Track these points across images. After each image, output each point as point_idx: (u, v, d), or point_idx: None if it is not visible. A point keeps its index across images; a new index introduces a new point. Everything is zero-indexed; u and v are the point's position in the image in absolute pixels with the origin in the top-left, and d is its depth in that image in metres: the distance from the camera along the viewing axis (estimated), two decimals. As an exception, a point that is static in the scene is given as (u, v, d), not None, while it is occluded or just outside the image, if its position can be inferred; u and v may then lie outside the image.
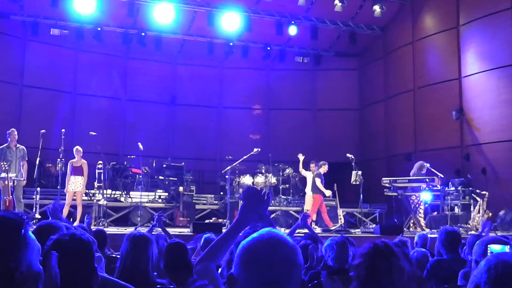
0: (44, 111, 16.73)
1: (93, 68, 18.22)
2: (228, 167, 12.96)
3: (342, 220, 13.86)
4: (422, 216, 12.92)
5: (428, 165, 13.49)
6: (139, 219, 12.51)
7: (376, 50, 19.82)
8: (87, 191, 12.93)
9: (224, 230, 9.95)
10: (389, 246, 2.82)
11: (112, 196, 14.38)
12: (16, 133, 11.13)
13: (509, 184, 14.06)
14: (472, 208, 13.42)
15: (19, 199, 10.88)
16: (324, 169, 13.43)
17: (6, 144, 11.02)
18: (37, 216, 10.94)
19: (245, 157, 12.85)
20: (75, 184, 11.85)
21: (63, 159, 11.85)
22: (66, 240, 2.44)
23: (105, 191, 12.56)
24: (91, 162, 13.33)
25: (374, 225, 13.66)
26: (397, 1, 17.96)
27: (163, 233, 7.50)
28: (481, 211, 13.25)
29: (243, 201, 2.55)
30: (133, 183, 14.97)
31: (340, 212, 14.04)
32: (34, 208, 11.50)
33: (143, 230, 11.04)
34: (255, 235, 1.78)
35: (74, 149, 12.16)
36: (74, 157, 12.08)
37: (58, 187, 11.95)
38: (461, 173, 15.03)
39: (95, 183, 13.24)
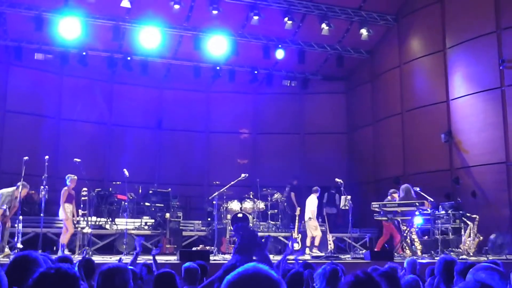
0: (27, 137, 16.45)
1: (78, 93, 18.01)
2: (216, 193, 12.77)
3: (332, 245, 13.66)
4: (416, 240, 12.78)
5: (418, 188, 13.39)
6: (124, 246, 12.20)
7: (364, 73, 19.83)
8: (73, 218, 12.61)
9: (211, 258, 9.70)
10: (370, 276, 2.72)
11: (97, 223, 14.06)
12: None
13: (498, 207, 13.96)
14: (462, 232, 13.27)
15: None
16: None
17: None
18: (19, 245, 10.60)
19: (232, 182, 12.69)
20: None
21: (46, 186, 11.54)
22: (51, 274, 2.49)
23: (89, 219, 12.25)
24: (75, 189, 13.04)
25: (364, 250, 13.46)
26: (384, 25, 18.02)
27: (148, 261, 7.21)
28: (471, 235, 13.12)
29: (238, 241, 2.43)
30: (118, 210, 14.68)
31: (330, 237, 13.84)
32: (16, 237, 11.14)
33: (128, 258, 10.77)
34: (240, 269, 1.81)
35: (73, 177, 12.18)
36: (67, 185, 12.09)
37: (42, 214, 11.61)
38: (451, 196, 14.90)
39: (80, 210, 12.91)
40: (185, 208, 16.47)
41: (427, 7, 16.75)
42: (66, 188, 12.17)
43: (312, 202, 13.90)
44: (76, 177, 12.28)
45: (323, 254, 12.96)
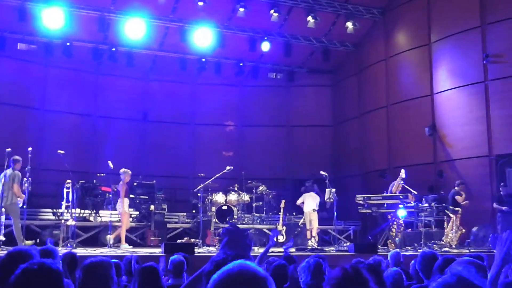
0: (10, 128, 16.27)
1: (62, 84, 17.84)
2: (201, 185, 12.76)
3: (317, 238, 13.73)
4: (396, 232, 12.92)
5: (402, 182, 13.49)
6: (108, 238, 12.13)
7: (350, 66, 19.88)
8: (54, 210, 12.55)
9: (196, 250, 9.70)
10: (359, 271, 2.71)
11: (81, 215, 13.98)
12: None
13: (481, 200, 14.10)
14: (445, 225, 13.40)
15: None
16: None
17: None
18: (1, 238, 10.51)
19: (217, 175, 12.68)
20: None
21: (29, 178, 11.39)
22: (34, 270, 2.46)
23: (73, 211, 12.17)
24: (59, 181, 12.97)
25: (348, 243, 13.55)
26: (370, 18, 18.06)
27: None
28: (454, 228, 13.25)
29: (224, 240, 2.44)
30: (102, 202, 14.58)
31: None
32: (-1, 230, 11.04)
33: (113, 250, 10.74)
34: (226, 267, 1.80)
35: (127, 171, 12.51)
36: (123, 179, 12.41)
37: (24, 206, 11.48)
38: (435, 190, 15.03)
39: (63, 202, 12.84)
40: (170, 200, 16.43)
41: (413, 1, 16.82)
42: (122, 182, 12.42)
43: (316, 196, 14.12)
44: (130, 172, 12.53)
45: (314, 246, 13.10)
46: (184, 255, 6.25)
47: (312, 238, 13.58)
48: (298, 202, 14.26)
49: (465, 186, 13.93)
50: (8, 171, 11.01)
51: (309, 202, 14.00)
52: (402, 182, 13.51)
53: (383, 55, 17.98)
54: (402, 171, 13.55)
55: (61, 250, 8.25)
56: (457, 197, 13.43)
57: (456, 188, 13.66)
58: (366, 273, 2.68)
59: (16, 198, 10.96)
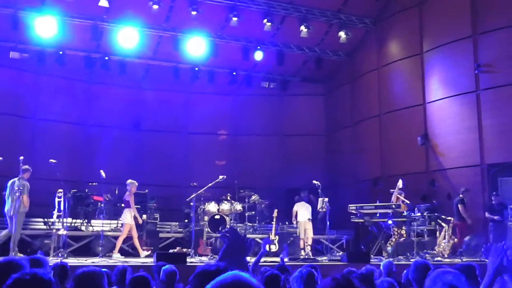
0: (2, 137, 16.17)
1: (54, 93, 17.78)
2: (193, 195, 12.71)
3: (309, 248, 13.70)
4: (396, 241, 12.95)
5: (401, 192, 13.53)
6: (100, 248, 12.06)
7: (342, 75, 19.95)
8: (45, 220, 12.47)
9: (188, 260, 9.64)
10: (350, 281, 2.71)
11: (73, 225, 13.90)
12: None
13: (473, 210, 14.12)
14: (438, 234, 13.41)
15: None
16: None
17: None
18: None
19: (210, 184, 12.64)
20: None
21: (21, 188, 11.37)
22: (26, 280, 2.44)
23: (65, 220, 12.09)
24: (50, 190, 12.88)
25: (341, 252, 13.53)
26: (363, 28, 18.15)
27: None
28: (446, 237, 13.25)
29: (226, 244, 2.43)
30: (94, 211, 14.51)
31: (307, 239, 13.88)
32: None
33: (104, 260, 10.68)
34: (219, 278, 1.81)
35: (134, 182, 12.65)
36: (129, 190, 12.51)
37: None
38: (427, 199, 15.05)
39: (55, 212, 12.76)
40: (162, 210, 16.34)
41: (405, 11, 16.92)
42: (128, 193, 12.51)
43: (309, 206, 14.17)
44: (137, 183, 12.68)
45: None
46: (162, 264, 6.23)
47: (308, 247, 13.57)
48: (293, 211, 14.30)
49: (454, 195, 13.94)
50: (16, 180, 11.15)
51: (303, 211, 14.01)
52: (401, 192, 13.49)
53: (375, 64, 18.06)
54: (400, 181, 13.53)
55: (52, 260, 8.18)
56: (460, 206, 13.32)
57: (460, 195, 13.57)
58: (357, 283, 2.68)
59: (23, 207, 11.09)
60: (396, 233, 13.04)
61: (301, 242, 13.83)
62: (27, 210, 11.21)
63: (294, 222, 14.35)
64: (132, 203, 12.43)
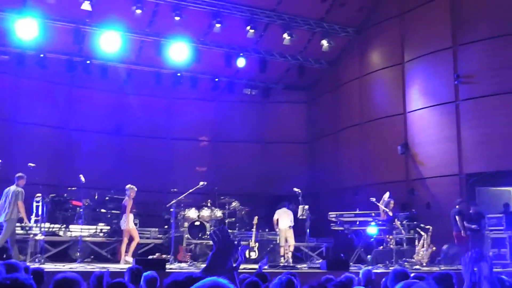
0: (-20, 140, 15.97)
1: (35, 96, 17.60)
2: (174, 201, 12.67)
3: (289, 255, 13.69)
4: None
5: (374, 199, 13.59)
6: (78, 254, 11.94)
7: (324, 84, 20.07)
8: (22, 225, 12.32)
9: (168, 266, 9.57)
10: None
11: (51, 230, 13.73)
12: None
13: (451, 219, 14.23)
14: (417, 242, 13.51)
15: None
16: None
17: None
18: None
19: (190, 190, 12.60)
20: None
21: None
22: (7, 285, 2.42)
23: (42, 225, 11.95)
24: (28, 194, 12.72)
25: (320, 260, 13.55)
26: (345, 37, 18.29)
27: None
28: (425, 245, 13.36)
29: (215, 245, 2.44)
30: (73, 216, 14.37)
31: (287, 246, 13.87)
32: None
33: (82, 266, 10.57)
34: (198, 284, 1.84)
35: (133, 188, 12.62)
36: (128, 195, 12.50)
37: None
38: (406, 207, 15.16)
39: (32, 216, 12.61)
40: (142, 215, 16.22)
41: (387, 21, 17.09)
42: (127, 198, 12.48)
43: (291, 213, 13.98)
44: (135, 188, 12.62)
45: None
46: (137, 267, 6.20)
47: (290, 253, 13.47)
48: (274, 219, 14.18)
49: (432, 204, 14.04)
50: (12, 188, 11.18)
51: (284, 218, 13.90)
52: (390, 200, 13.47)
53: (357, 73, 18.21)
54: (387, 193, 13.56)
55: (31, 266, 8.06)
56: (458, 217, 13.33)
57: (457, 207, 13.43)
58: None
59: (16, 214, 11.04)
60: (390, 240, 13.08)
61: (281, 250, 13.79)
62: (20, 216, 11.13)
63: (277, 230, 14.27)
64: (128, 208, 12.36)
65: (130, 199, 12.50)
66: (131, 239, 12.43)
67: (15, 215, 11.04)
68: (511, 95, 14.00)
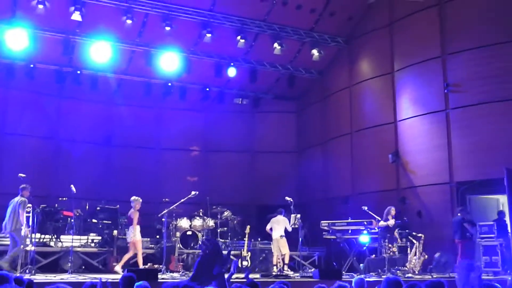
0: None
1: (24, 106, 17.49)
2: (165, 210, 12.61)
3: (281, 264, 13.63)
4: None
5: (366, 208, 13.62)
6: (69, 265, 11.83)
7: (314, 93, 20.15)
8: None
9: (160, 276, 9.53)
10: None
11: (41, 240, 13.61)
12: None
13: (443, 227, 14.32)
14: (409, 251, 13.54)
15: None
16: None
17: None
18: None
19: (182, 200, 12.55)
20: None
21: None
22: None
23: (33, 236, 11.83)
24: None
25: (313, 269, 13.53)
26: (335, 46, 18.39)
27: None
28: (417, 254, 13.40)
29: (203, 253, 2.43)
30: (64, 227, 14.25)
31: (280, 256, 13.81)
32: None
33: (74, 277, 10.47)
34: None
35: (138, 199, 12.69)
36: (133, 207, 12.57)
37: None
38: (398, 216, 15.19)
39: (23, 227, 12.46)
40: (133, 226, 16.12)
41: (377, 31, 17.22)
42: (132, 210, 12.51)
43: (285, 221, 13.59)
44: (141, 199, 12.64)
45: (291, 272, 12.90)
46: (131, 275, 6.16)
47: (282, 263, 13.25)
48: (267, 228, 13.93)
49: (424, 213, 14.06)
50: (16, 198, 11.56)
51: (276, 228, 13.61)
52: (391, 210, 13.44)
53: (347, 82, 18.29)
54: (393, 209, 13.54)
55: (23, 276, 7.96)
56: (466, 225, 13.07)
57: (459, 214, 13.28)
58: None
59: (19, 224, 11.37)
60: (388, 247, 13.04)
61: (274, 258, 13.65)
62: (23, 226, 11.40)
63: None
64: (135, 220, 12.40)
65: (136, 211, 12.51)
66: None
67: (19, 225, 11.38)
68: (499, 104, 14.13)
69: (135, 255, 12.57)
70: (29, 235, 11.75)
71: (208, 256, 2.55)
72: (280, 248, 13.32)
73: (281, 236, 13.42)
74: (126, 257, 12.39)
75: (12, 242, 11.50)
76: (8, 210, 11.60)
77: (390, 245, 13.10)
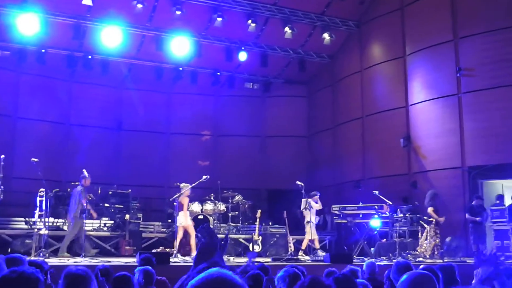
0: (-19, 136, 15.95)
1: (35, 91, 17.57)
2: (177, 194, 12.66)
3: (292, 248, 13.70)
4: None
5: (377, 192, 13.60)
6: (86, 248, 11.96)
7: (325, 77, 20.04)
8: (26, 219, 12.35)
9: (171, 260, 9.60)
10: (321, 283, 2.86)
11: (54, 224, 13.75)
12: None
13: (454, 211, 14.28)
14: (419, 235, 13.54)
15: None
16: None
17: None
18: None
19: (193, 184, 12.59)
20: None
21: (1, 187, 11.27)
22: (13, 278, 2.41)
23: (46, 220, 11.96)
24: (32, 190, 12.74)
25: (324, 253, 13.58)
26: (346, 30, 18.26)
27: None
28: (428, 238, 13.38)
29: (201, 241, 2.45)
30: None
31: (290, 239, 13.88)
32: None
33: (87, 260, 10.58)
34: (203, 274, 1.81)
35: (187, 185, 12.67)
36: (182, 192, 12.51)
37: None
38: (409, 200, 15.20)
39: (36, 211, 12.62)
40: (145, 210, 16.25)
41: (388, 14, 17.07)
42: (182, 196, 12.54)
43: (313, 206, 13.55)
44: (190, 185, 12.65)
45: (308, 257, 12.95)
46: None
47: (301, 251, 13.31)
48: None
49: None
50: (78, 188, 12.38)
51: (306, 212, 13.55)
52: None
53: (358, 67, 18.18)
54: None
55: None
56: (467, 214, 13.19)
57: (473, 202, 13.36)
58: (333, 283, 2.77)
59: (78, 212, 12.09)
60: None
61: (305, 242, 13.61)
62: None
63: None
64: (185, 206, 12.56)
65: (185, 197, 12.56)
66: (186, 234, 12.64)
67: (77, 213, 12.09)
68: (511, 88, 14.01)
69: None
70: (40, 219, 12.02)
71: (205, 244, 2.56)
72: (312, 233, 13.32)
73: (307, 222, 13.37)
74: (177, 241, 12.40)
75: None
76: (71, 200, 12.43)
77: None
